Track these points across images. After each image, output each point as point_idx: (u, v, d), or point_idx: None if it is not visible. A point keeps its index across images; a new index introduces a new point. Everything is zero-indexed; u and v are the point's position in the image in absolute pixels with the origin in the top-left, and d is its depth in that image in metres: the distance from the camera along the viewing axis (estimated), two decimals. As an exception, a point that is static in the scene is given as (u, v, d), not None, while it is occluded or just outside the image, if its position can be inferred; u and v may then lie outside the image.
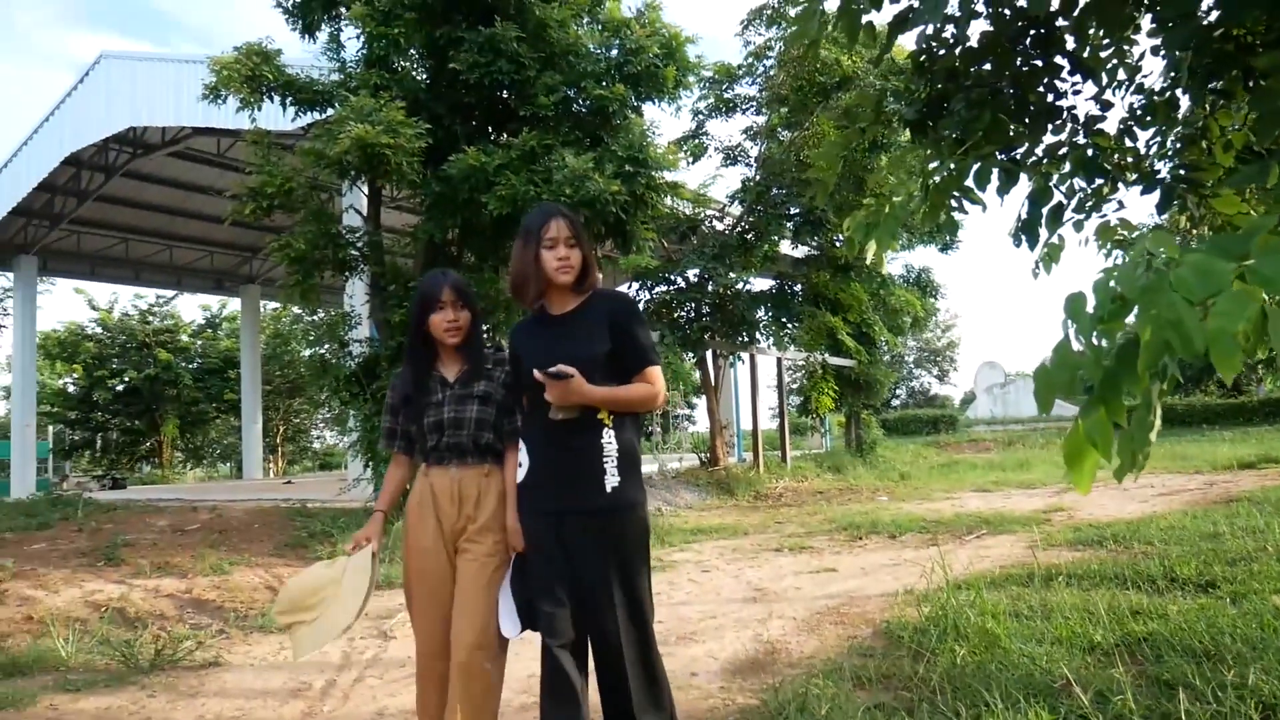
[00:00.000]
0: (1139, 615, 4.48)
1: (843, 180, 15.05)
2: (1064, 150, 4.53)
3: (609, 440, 2.74)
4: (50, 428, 27.68)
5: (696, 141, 16.58)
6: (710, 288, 14.72)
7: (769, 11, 15.05)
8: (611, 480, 2.72)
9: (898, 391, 52.75)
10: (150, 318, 29.29)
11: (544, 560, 2.77)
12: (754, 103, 16.35)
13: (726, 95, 16.34)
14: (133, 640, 5.43)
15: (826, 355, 18.03)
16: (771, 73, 15.58)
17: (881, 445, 22.08)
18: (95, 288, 27.53)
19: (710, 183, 15.09)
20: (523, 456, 2.85)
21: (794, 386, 21.43)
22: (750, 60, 15.96)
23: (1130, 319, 2.01)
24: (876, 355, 19.83)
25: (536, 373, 2.66)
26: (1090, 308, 2.12)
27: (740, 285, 15.12)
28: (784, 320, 16.72)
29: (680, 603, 6.02)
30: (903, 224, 4.41)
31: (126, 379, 27.62)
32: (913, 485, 15.51)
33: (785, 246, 16.89)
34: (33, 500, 12.47)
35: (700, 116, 16.62)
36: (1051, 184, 4.43)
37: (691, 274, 15.08)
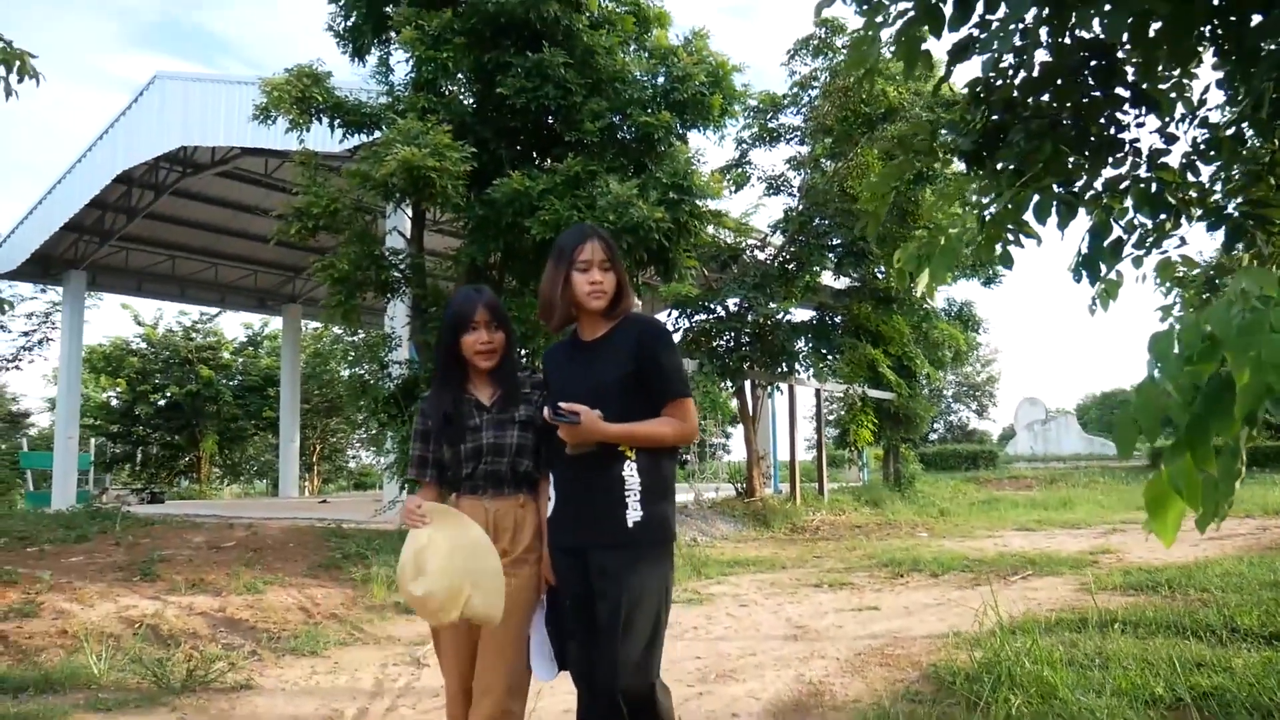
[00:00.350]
0: (1202, 667, 4.28)
1: (888, 211, 14.93)
2: (1125, 184, 4.41)
3: (630, 474, 2.61)
4: (92, 440, 28.12)
5: (740, 170, 16.54)
6: (750, 317, 14.61)
7: (815, 42, 15.02)
8: (633, 515, 2.59)
9: (935, 425, 52.11)
10: (194, 334, 29.73)
11: (571, 599, 2.67)
12: (798, 132, 16.30)
13: (771, 125, 16.30)
14: (165, 659, 5.39)
15: (866, 388, 17.82)
16: (816, 103, 15.52)
17: (920, 480, 21.74)
18: (141, 304, 28.02)
19: (752, 211, 14.97)
20: (552, 490, 2.76)
21: (830, 418, 21.21)
22: (795, 90, 15.93)
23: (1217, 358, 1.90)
24: (917, 389, 19.57)
25: (547, 412, 2.57)
26: (1177, 348, 2.00)
27: (781, 315, 14.98)
28: (824, 351, 16.55)
29: (719, 638, 5.88)
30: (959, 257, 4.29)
31: (168, 394, 28.00)
32: (953, 522, 15.21)
33: (827, 277, 16.76)
34: (72, 512, 12.58)
35: (744, 145, 16.60)
36: (1110, 218, 4.32)
37: (731, 303, 14.99)
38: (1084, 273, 4.09)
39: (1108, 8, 2.68)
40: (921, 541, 11.95)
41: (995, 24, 4.18)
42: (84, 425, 26.71)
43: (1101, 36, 4.23)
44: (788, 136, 16.42)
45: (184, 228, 21.54)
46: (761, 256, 15.80)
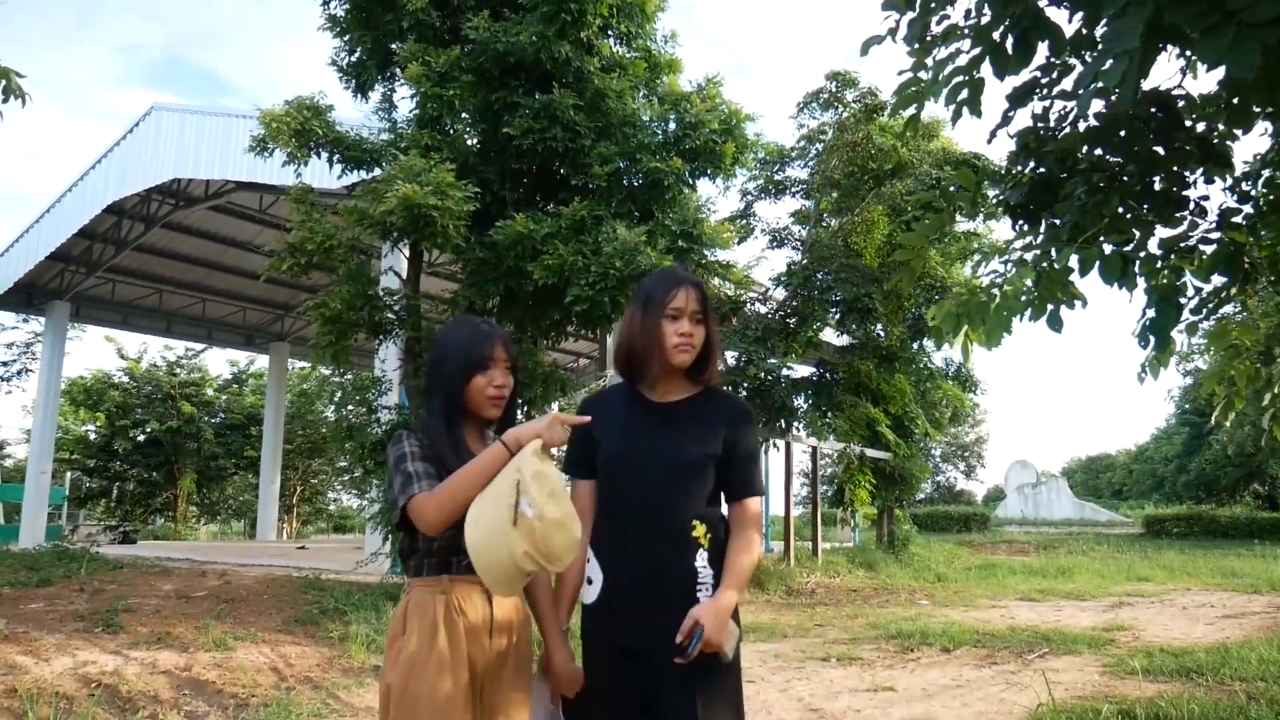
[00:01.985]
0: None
1: (891, 268, 14.71)
2: (1187, 243, 4.09)
3: (703, 565, 2.23)
4: (68, 474, 27.46)
5: (744, 222, 16.32)
6: (750, 371, 14.26)
7: (825, 95, 14.88)
8: None
9: (924, 486, 51.75)
10: (178, 370, 29.22)
11: (608, 710, 2.23)
12: (804, 186, 16.11)
13: (777, 177, 16.13)
14: (121, 728, 4.90)
15: (864, 448, 17.45)
16: (823, 156, 15.34)
17: (914, 542, 21.29)
18: (126, 337, 27.54)
19: (754, 264, 14.70)
20: (593, 571, 2.29)
21: (823, 474, 20.81)
22: (803, 143, 15.77)
23: None
24: (914, 448, 19.22)
25: (683, 648, 2.10)
26: None
27: (781, 371, 14.64)
28: (824, 409, 16.19)
29: (728, 722, 5.42)
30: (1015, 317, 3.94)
31: (148, 430, 27.42)
32: (952, 589, 14.74)
33: (828, 333, 16.48)
34: (38, 551, 12.01)
35: (749, 197, 16.41)
36: (1180, 280, 4.00)
37: (730, 356, 14.66)
38: (1152, 338, 3.75)
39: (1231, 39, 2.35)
40: (924, 610, 11.50)
41: (1060, 66, 3.92)
42: (60, 459, 26.10)
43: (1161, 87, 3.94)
44: (793, 190, 16.24)
45: (173, 261, 21.18)
46: (763, 310, 15.51)
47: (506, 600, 2.25)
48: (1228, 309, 4.68)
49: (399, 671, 2.13)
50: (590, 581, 2.27)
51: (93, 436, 28.80)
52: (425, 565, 2.24)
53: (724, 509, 2.38)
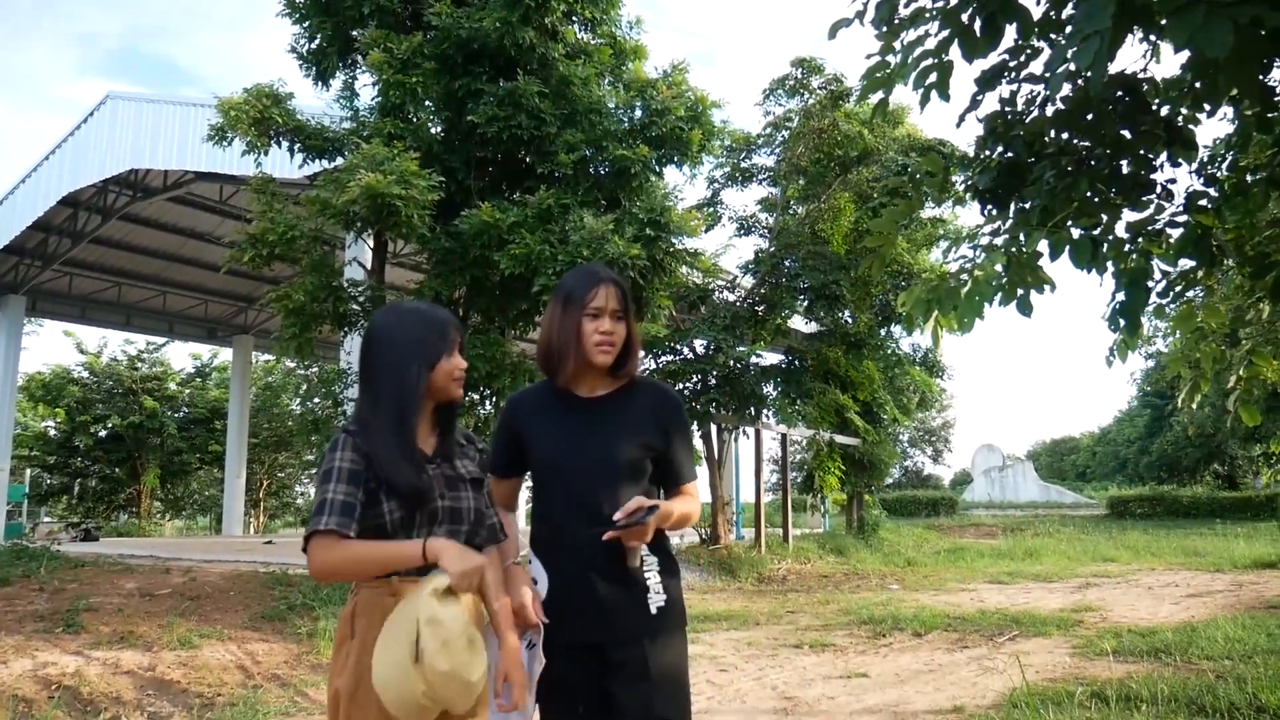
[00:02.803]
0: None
1: (858, 255, 14.74)
2: (1155, 227, 4.10)
3: (646, 552, 2.22)
4: (28, 471, 26.92)
5: (711, 210, 16.26)
6: (720, 359, 14.24)
7: (791, 82, 14.85)
8: (656, 600, 2.20)
9: (892, 471, 52.18)
10: (139, 364, 28.69)
11: (583, 707, 2.18)
12: (770, 173, 16.08)
13: (744, 165, 16.08)
14: (82, 732, 4.79)
15: (833, 434, 17.52)
16: (789, 143, 15.31)
17: (883, 527, 21.44)
18: (85, 331, 27.01)
19: (722, 252, 14.65)
20: (537, 573, 2.24)
21: (793, 461, 20.89)
22: (769, 130, 15.74)
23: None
24: (883, 434, 19.32)
25: (616, 522, 2.09)
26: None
27: (750, 358, 14.64)
28: (793, 396, 16.21)
29: (703, 711, 5.39)
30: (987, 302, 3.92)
31: (110, 425, 26.92)
32: (922, 573, 14.85)
33: (797, 321, 16.49)
34: (-3, 551, 11.76)
35: (716, 185, 16.35)
36: (1150, 263, 4.00)
37: (699, 344, 14.62)
38: (1121, 322, 3.75)
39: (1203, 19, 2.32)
40: (895, 595, 11.57)
41: (1028, 50, 3.90)
42: (19, 455, 25.58)
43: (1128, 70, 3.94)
44: (760, 177, 16.21)
45: (132, 254, 20.81)
46: (731, 298, 15.49)
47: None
48: (1192, 293, 4.71)
49: (347, 677, 2.05)
50: (536, 582, 2.24)
51: (52, 433, 28.22)
52: None
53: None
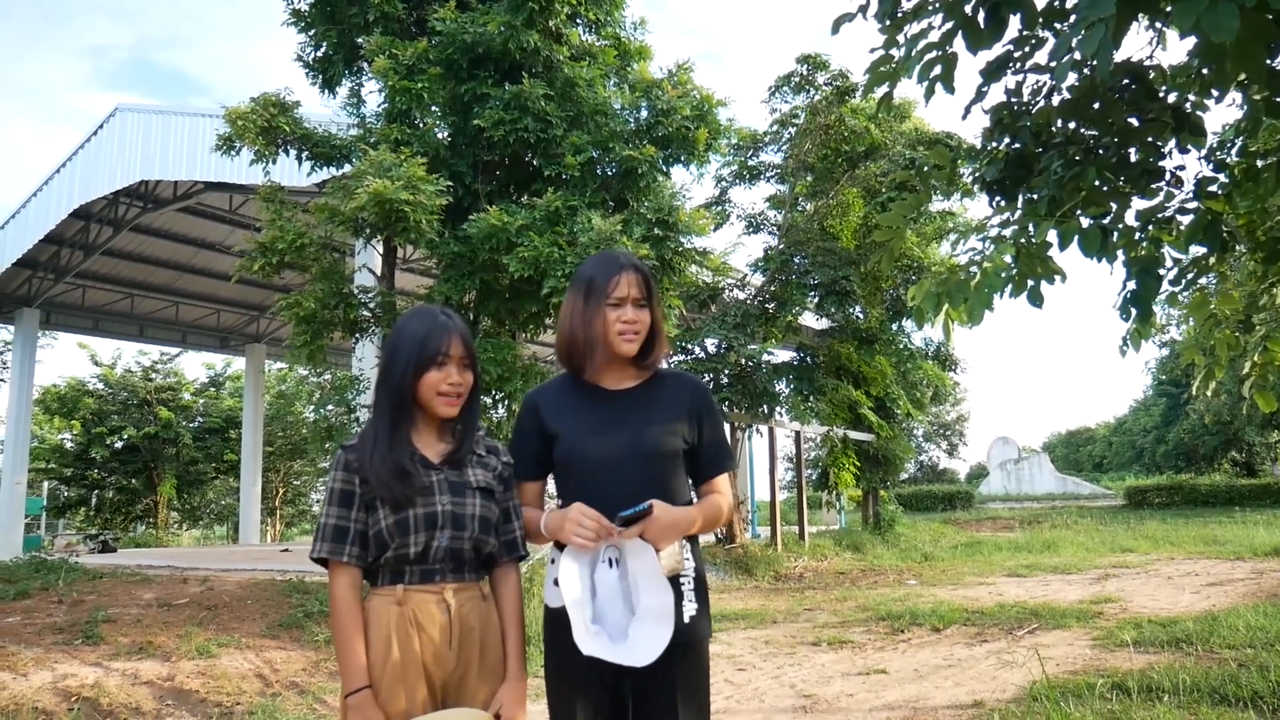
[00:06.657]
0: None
1: (868, 250, 14.69)
2: (1165, 214, 4.06)
3: (687, 558, 2.18)
4: (45, 484, 27.08)
5: (719, 208, 16.25)
6: (731, 358, 14.22)
7: (797, 79, 14.82)
8: (690, 608, 2.15)
9: (907, 466, 52.01)
10: (153, 375, 28.84)
11: (586, 709, 2.15)
12: (778, 171, 16.06)
13: (751, 162, 16.06)
14: (103, 742, 4.81)
15: (846, 430, 17.48)
16: (796, 140, 15.28)
17: (899, 523, 21.37)
18: (99, 343, 27.15)
19: (731, 250, 14.66)
20: (558, 573, 2.14)
21: (807, 458, 20.83)
22: (776, 128, 15.71)
23: None
24: (897, 430, 19.26)
25: (620, 521, 2.06)
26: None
27: (761, 356, 14.61)
28: (806, 393, 16.18)
29: (722, 711, 5.38)
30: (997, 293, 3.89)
31: (125, 436, 27.07)
32: (939, 568, 14.79)
33: (807, 317, 16.45)
34: (15, 564, 11.84)
35: (724, 183, 16.34)
36: (1160, 251, 3.97)
37: (710, 343, 14.61)
38: (1134, 310, 3.72)
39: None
40: (913, 590, 11.53)
41: (1033, 40, 3.87)
42: (36, 468, 25.73)
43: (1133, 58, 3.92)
44: (768, 174, 16.19)
45: (144, 265, 20.89)
46: (741, 296, 15.48)
47: (468, 609, 2.14)
48: (1204, 279, 4.67)
49: None
50: (557, 583, 2.12)
51: (69, 445, 28.37)
52: (379, 574, 2.14)
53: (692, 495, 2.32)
